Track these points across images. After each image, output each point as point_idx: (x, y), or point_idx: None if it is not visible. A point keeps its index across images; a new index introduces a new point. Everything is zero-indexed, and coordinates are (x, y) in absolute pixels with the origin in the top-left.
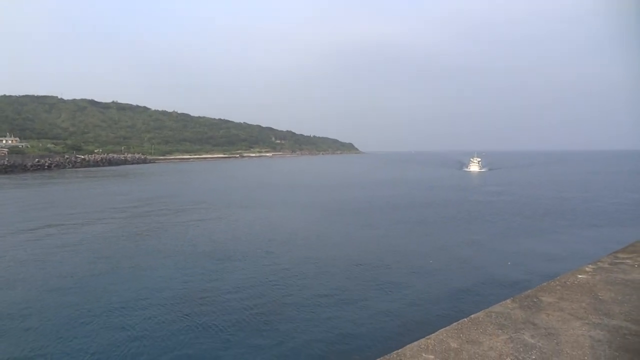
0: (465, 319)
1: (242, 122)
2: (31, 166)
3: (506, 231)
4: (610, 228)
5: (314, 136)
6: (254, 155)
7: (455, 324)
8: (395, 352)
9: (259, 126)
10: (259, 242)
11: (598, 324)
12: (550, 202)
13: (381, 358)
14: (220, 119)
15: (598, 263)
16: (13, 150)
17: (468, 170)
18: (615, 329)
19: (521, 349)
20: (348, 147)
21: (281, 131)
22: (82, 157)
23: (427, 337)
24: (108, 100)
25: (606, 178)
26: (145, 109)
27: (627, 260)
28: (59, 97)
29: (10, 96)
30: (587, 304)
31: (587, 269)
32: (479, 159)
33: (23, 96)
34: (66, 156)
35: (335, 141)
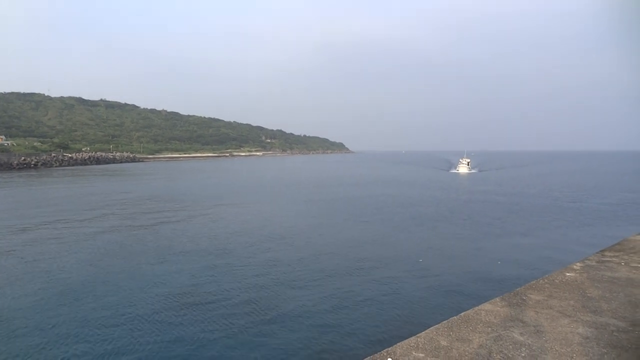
0: (455, 317)
1: (232, 121)
2: (17, 164)
3: (495, 231)
4: (598, 227)
5: (305, 135)
6: (243, 154)
7: (445, 322)
8: (385, 349)
9: (249, 125)
10: (254, 240)
11: (586, 321)
12: (540, 202)
13: (372, 356)
14: (210, 118)
15: (585, 261)
16: None
17: (456, 171)
18: (603, 326)
19: (510, 347)
20: (338, 147)
21: (271, 130)
22: (70, 155)
23: (418, 335)
24: (96, 98)
25: (597, 178)
26: (134, 107)
27: (614, 258)
28: (46, 94)
29: None
30: (575, 302)
31: (574, 267)
32: (469, 160)
33: (9, 93)
34: (53, 154)
35: (325, 140)
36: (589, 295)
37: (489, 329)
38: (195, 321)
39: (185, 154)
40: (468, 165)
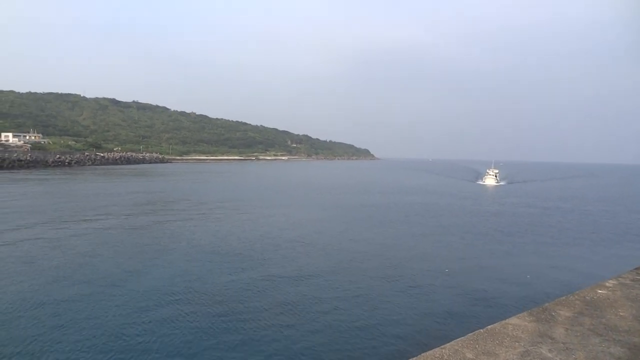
0: (481, 330)
1: (258, 124)
2: (52, 162)
3: (527, 244)
4: (634, 244)
5: (330, 141)
6: (269, 158)
7: (470, 334)
8: None
9: (276, 129)
10: (283, 243)
11: (618, 341)
12: (574, 217)
13: None
14: (237, 121)
15: (619, 279)
16: (35, 146)
17: (483, 183)
18: (637, 347)
19: None
20: (364, 153)
21: (297, 135)
22: (102, 154)
23: (442, 346)
24: (129, 99)
25: (633, 193)
26: (165, 109)
27: None
28: (82, 95)
29: (34, 93)
30: (608, 320)
31: (607, 284)
32: (497, 171)
33: (47, 93)
34: (86, 153)
35: (350, 146)
36: (622, 314)
37: (516, 343)
38: (223, 319)
39: (212, 156)
40: (496, 176)
